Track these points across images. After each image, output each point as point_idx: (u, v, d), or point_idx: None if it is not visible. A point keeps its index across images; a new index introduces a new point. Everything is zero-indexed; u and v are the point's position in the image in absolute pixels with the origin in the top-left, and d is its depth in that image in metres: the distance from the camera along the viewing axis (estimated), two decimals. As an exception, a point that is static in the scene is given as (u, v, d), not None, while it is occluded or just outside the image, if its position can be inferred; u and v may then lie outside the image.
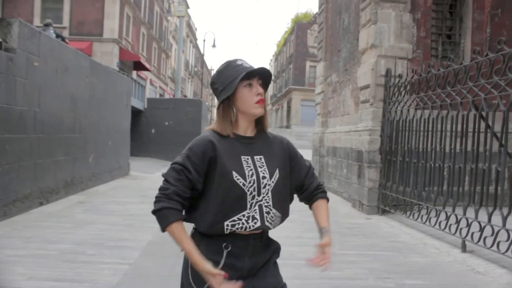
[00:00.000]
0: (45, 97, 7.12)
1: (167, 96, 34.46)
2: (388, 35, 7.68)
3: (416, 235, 6.05)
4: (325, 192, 1.91)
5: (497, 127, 5.00)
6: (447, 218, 5.58)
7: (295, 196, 1.91)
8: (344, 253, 5.04)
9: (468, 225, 5.12)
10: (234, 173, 1.66)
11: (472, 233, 4.99)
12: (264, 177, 1.71)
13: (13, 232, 5.32)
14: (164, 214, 1.60)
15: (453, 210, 5.51)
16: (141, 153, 18.93)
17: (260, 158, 1.74)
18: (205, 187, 1.69)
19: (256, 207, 1.69)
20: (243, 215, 1.67)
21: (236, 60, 1.76)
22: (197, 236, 1.72)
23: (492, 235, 4.66)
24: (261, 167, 1.73)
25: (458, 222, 5.33)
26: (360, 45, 8.48)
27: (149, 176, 12.83)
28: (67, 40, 11.23)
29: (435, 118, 6.16)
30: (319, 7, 13.56)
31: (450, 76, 5.76)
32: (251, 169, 1.70)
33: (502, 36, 4.95)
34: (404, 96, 7.05)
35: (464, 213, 5.26)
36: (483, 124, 5.15)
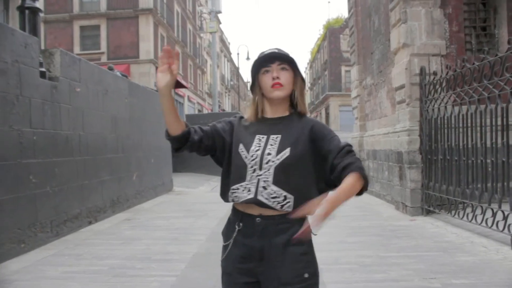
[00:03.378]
0: (88, 120, 7.43)
1: (205, 111, 34.99)
2: (419, 33, 7.59)
3: (463, 234, 5.92)
4: (358, 168, 1.66)
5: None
6: (494, 215, 5.43)
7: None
8: (389, 256, 5.00)
9: (516, 221, 4.98)
10: (241, 145, 1.79)
11: (521, 229, 4.85)
12: (269, 154, 1.75)
13: (66, 250, 5.57)
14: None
15: (499, 207, 5.36)
16: (183, 169, 19.26)
17: (276, 137, 1.79)
18: (224, 161, 1.86)
19: (255, 180, 1.75)
20: (241, 185, 1.76)
21: (265, 50, 1.83)
22: (232, 209, 1.87)
23: (541, 229, 4.52)
24: (272, 145, 1.77)
25: (505, 218, 5.18)
26: (392, 45, 8.42)
27: (192, 191, 13.06)
28: (129, 78, 11.77)
29: (474, 113, 6.04)
30: (349, 11, 13.53)
31: (486, 69, 5.64)
32: (259, 145, 1.78)
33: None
34: (440, 93, 6.94)
35: (511, 209, 5.11)
36: (523, 116, 5.02)
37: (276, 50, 1.81)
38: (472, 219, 5.93)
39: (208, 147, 1.85)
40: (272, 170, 1.73)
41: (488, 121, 5.67)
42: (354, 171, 1.65)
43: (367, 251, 5.24)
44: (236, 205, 1.82)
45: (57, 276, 4.46)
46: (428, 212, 7.40)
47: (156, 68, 15.97)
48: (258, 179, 1.74)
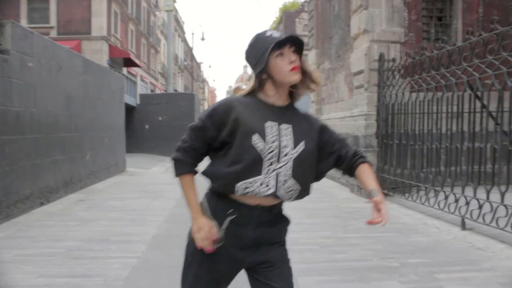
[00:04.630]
0: (40, 97, 7.10)
1: (158, 92, 34.35)
2: (379, 19, 7.73)
3: (416, 216, 6.15)
4: (364, 157, 1.85)
5: (492, 106, 5.09)
6: (446, 197, 5.67)
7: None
8: (347, 236, 5.13)
9: (467, 203, 5.22)
10: (254, 136, 1.66)
11: (471, 211, 5.10)
12: (286, 146, 1.69)
13: (18, 233, 5.34)
14: (178, 165, 1.77)
15: (452, 190, 5.61)
16: (136, 150, 18.92)
17: (287, 128, 1.72)
18: (226, 146, 1.72)
19: (273, 174, 1.67)
20: (256, 180, 1.66)
21: (266, 31, 1.75)
22: (210, 194, 1.79)
23: (491, 211, 4.76)
24: (286, 136, 1.71)
25: (457, 200, 5.43)
26: (352, 31, 8.52)
27: (145, 172, 12.85)
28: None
29: (430, 100, 6.24)
30: (308, -5, 13.56)
31: (444, 58, 5.82)
32: (274, 136, 1.69)
33: (493, 16, 5.02)
34: (398, 79, 7.12)
35: (463, 192, 5.36)
36: (478, 104, 5.23)
37: (295, 35, 1.74)
38: (425, 201, 6.17)
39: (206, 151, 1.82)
40: (291, 163, 1.69)
41: (444, 108, 5.87)
42: (364, 162, 1.83)
43: (326, 232, 5.36)
44: (228, 194, 1.74)
45: (11, 259, 4.27)
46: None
47: (109, 45, 15.47)
48: (277, 173, 1.68)
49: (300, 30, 42.38)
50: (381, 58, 7.67)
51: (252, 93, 1.78)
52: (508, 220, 4.49)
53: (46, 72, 7.36)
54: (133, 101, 21.49)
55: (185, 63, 53.91)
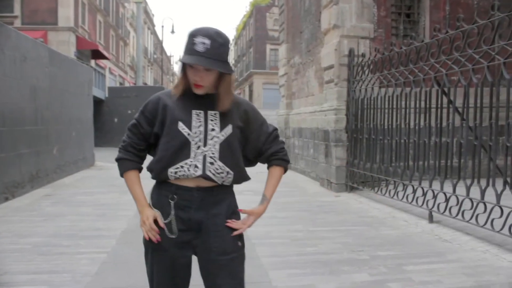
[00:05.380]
0: (4, 89, 6.88)
1: (127, 85, 33.81)
2: (350, 15, 7.79)
3: (385, 210, 6.26)
4: (282, 160, 1.93)
5: (459, 102, 5.21)
6: (414, 191, 5.79)
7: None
8: (317, 230, 5.18)
9: (434, 197, 5.34)
10: (180, 123, 1.77)
11: (438, 204, 5.22)
12: (213, 130, 1.78)
13: (-18, 229, 5.18)
14: (120, 164, 1.87)
15: (419, 184, 5.73)
16: (105, 144, 18.60)
17: (215, 113, 1.80)
18: (159, 138, 1.83)
19: (200, 157, 1.76)
20: (186, 163, 1.76)
21: (197, 36, 1.71)
22: (154, 185, 1.88)
23: (457, 204, 4.89)
24: (212, 120, 1.79)
25: (424, 194, 5.55)
26: (322, 26, 8.57)
27: (114, 166, 12.46)
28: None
29: (399, 95, 6.34)
30: (279, -11, 13.56)
31: (412, 54, 5.93)
32: (200, 121, 1.78)
33: (459, 14, 5.13)
34: (367, 75, 7.21)
35: (430, 186, 5.48)
36: (445, 100, 5.35)
37: (208, 44, 1.69)
38: (393, 195, 6.29)
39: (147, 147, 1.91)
40: (217, 146, 1.78)
41: (412, 103, 5.98)
42: (278, 166, 1.93)
43: (297, 225, 5.40)
44: (166, 180, 1.82)
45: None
46: (352, 189, 7.75)
47: (77, 36, 15.16)
48: (204, 155, 1.76)
49: (270, 24, 42.49)
50: (351, 53, 7.75)
51: (182, 85, 1.83)
52: (473, 213, 4.61)
53: (10, 63, 7.13)
54: (102, 94, 21.10)
55: (155, 56, 53.22)
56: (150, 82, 47.42)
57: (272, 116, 13.63)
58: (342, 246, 4.50)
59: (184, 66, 1.79)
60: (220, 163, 1.77)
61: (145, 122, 1.85)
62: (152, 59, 51.18)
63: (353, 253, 4.26)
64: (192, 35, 1.73)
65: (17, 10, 20.07)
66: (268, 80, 41.96)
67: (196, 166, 1.75)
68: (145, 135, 1.86)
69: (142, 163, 1.90)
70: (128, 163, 1.86)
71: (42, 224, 5.41)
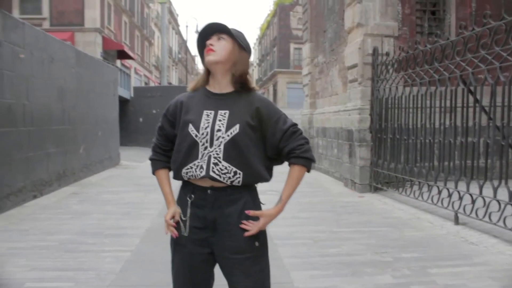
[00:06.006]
0: (32, 89, 7.04)
1: (152, 84, 34.19)
2: (373, 13, 7.71)
3: (410, 211, 6.18)
4: (300, 157, 1.84)
5: (485, 101, 5.10)
6: (439, 192, 5.69)
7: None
8: (341, 231, 5.14)
9: (460, 198, 5.24)
10: (190, 125, 1.82)
11: (464, 206, 5.11)
12: (219, 130, 1.79)
13: (11, 226, 5.32)
14: (151, 163, 1.98)
15: (445, 184, 5.63)
16: (130, 143, 18.86)
17: (225, 113, 1.82)
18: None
19: (206, 158, 1.79)
20: (194, 164, 1.80)
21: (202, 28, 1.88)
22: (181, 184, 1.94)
23: (483, 206, 4.78)
24: (220, 121, 1.81)
25: (450, 195, 5.45)
26: (346, 24, 8.50)
27: (139, 165, 12.80)
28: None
29: (424, 94, 6.25)
30: (303, -12, 13.50)
31: (437, 52, 5.82)
32: (208, 122, 1.81)
33: (486, 10, 5.01)
34: (392, 73, 7.12)
35: (456, 187, 5.37)
36: (471, 99, 5.24)
37: (215, 23, 1.86)
38: (418, 196, 6.19)
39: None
40: (222, 147, 1.78)
41: (437, 102, 5.88)
42: (296, 164, 1.84)
43: (320, 226, 5.37)
44: (185, 180, 1.88)
45: (3, 252, 4.26)
46: (376, 189, 7.66)
47: (103, 37, 15.48)
48: (209, 156, 1.78)
49: (294, 23, 42.38)
50: (374, 52, 7.67)
51: (202, 85, 1.92)
52: (501, 215, 4.51)
53: (38, 64, 7.30)
54: (127, 94, 21.40)
55: (179, 55, 53.67)
56: (174, 82, 47.86)
57: (296, 116, 13.57)
58: (365, 247, 4.46)
59: (202, 58, 1.89)
60: (225, 164, 1.77)
61: (167, 124, 1.94)
62: (177, 59, 51.63)
63: (377, 254, 4.21)
64: (199, 32, 1.90)
65: (45, 12, 20.51)
66: (292, 79, 41.87)
67: (201, 167, 1.78)
68: (168, 136, 1.94)
69: (169, 162, 1.96)
70: (157, 163, 1.96)
71: (68, 222, 5.53)
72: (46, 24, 19.98)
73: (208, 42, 1.84)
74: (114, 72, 12.96)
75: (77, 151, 9.18)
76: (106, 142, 11.47)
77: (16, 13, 19.22)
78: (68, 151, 8.64)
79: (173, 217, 1.85)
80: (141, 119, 19.78)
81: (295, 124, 1.88)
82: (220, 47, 1.82)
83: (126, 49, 23.53)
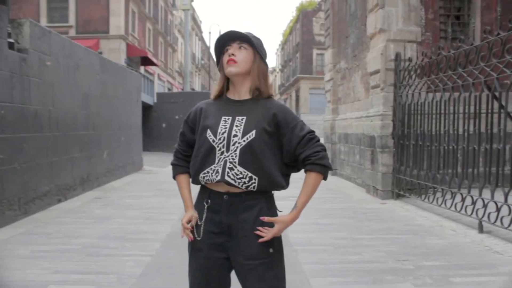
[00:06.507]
0: (58, 96, 7.20)
1: (175, 90, 34.54)
2: (396, 18, 7.64)
3: (432, 218, 6.08)
4: (315, 164, 1.81)
5: (511, 107, 5.00)
6: (463, 199, 5.59)
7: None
8: (362, 238, 5.09)
9: (484, 206, 5.13)
10: (208, 130, 1.86)
11: (489, 214, 5.01)
12: (235, 135, 1.81)
13: (36, 229, 5.43)
14: (173, 168, 2.02)
15: (469, 192, 5.52)
16: (153, 148, 19.07)
17: (242, 119, 1.85)
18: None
19: (222, 162, 1.80)
20: (211, 168, 1.82)
21: (223, 33, 1.89)
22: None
23: (509, 214, 4.67)
24: (237, 126, 1.83)
25: (474, 203, 5.34)
26: (368, 30, 8.45)
27: (162, 170, 12.93)
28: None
29: (447, 100, 6.15)
30: (325, -6, 13.48)
31: (461, 57, 5.74)
32: (225, 127, 1.84)
33: (512, 15, 4.92)
34: (414, 79, 7.04)
35: (480, 194, 5.26)
36: (496, 104, 5.14)
37: (236, 30, 1.87)
38: (441, 203, 6.09)
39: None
40: (238, 152, 1.79)
41: (461, 108, 5.79)
42: (312, 171, 1.82)
43: (340, 233, 5.33)
44: (203, 184, 1.91)
45: (27, 255, 4.35)
46: (398, 196, 7.57)
47: (127, 44, 15.67)
48: (225, 161, 1.80)
49: (317, 29, 42.29)
50: (397, 57, 7.60)
51: (214, 90, 1.97)
52: (526, 223, 4.40)
53: (63, 71, 7.46)
54: (150, 100, 21.64)
55: (202, 61, 54.12)
56: (197, 88, 48.26)
57: (318, 121, 13.52)
58: (386, 254, 4.40)
59: (219, 64, 1.93)
60: (241, 169, 1.78)
61: (188, 130, 1.98)
62: (200, 65, 52.08)
63: (398, 262, 4.16)
64: (218, 37, 1.91)
65: (71, 20, 20.96)
66: (314, 85, 41.74)
67: (217, 171, 1.80)
68: (189, 142, 1.97)
69: (189, 167, 1.99)
70: (178, 168, 2.01)
71: (91, 226, 5.61)
72: (72, 32, 20.43)
73: (230, 51, 1.85)
74: (137, 78, 13.15)
75: (100, 156, 9.33)
76: (129, 147, 11.63)
77: (43, 22, 19.71)
78: (92, 156, 8.79)
79: (189, 221, 1.88)
80: (164, 125, 19.98)
81: (312, 131, 1.87)
82: (241, 57, 1.85)
83: (150, 56, 23.85)
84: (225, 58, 1.87)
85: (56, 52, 7.14)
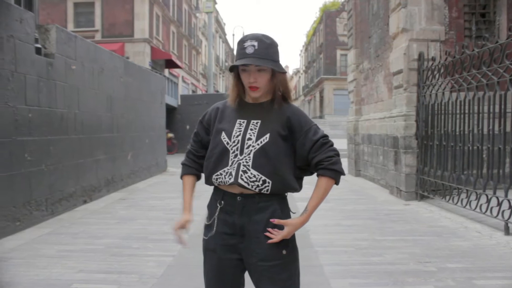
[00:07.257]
0: (83, 99, 7.36)
1: (199, 92, 34.81)
2: (419, 18, 7.55)
3: (457, 219, 5.98)
4: (327, 169, 1.81)
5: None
6: (488, 201, 5.48)
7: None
8: (384, 239, 5.04)
9: (511, 207, 5.02)
10: (223, 133, 1.87)
11: (515, 215, 4.90)
12: (249, 139, 1.82)
13: (61, 229, 5.56)
14: (182, 168, 2.05)
15: (494, 193, 5.41)
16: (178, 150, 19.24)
17: (257, 123, 1.85)
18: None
19: (235, 165, 1.81)
20: (224, 171, 1.83)
21: (246, 40, 1.81)
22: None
23: (536, 216, 4.57)
24: (252, 129, 1.84)
25: (499, 204, 5.23)
26: (390, 29, 8.37)
27: (186, 172, 13.04)
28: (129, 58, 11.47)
29: (471, 100, 6.05)
30: (347, -6, 13.40)
31: (485, 56, 5.63)
32: (240, 130, 1.85)
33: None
34: (438, 79, 6.93)
35: (506, 195, 5.15)
36: (522, 103, 5.03)
37: (256, 45, 1.78)
38: (466, 204, 5.98)
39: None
40: (251, 155, 1.81)
41: (485, 108, 5.68)
42: (323, 176, 1.82)
43: (363, 234, 5.29)
44: (216, 186, 1.92)
45: (53, 254, 4.46)
46: (422, 197, 7.46)
47: (151, 47, 15.88)
48: (239, 163, 1.81)
49: (340, 29, 42.05)
50: (420, 57, 7.50)
51: (235, 92, 1.91)
52: (554, 225, 4.29)
53: (88, 75, 7.62)
54: (174, 102, 21.86)
55: (226, 63, 54.39)
56: (222, 90, 48.51)
57: (343, 122, 13.41)
58: (408, 256, 4.35)
59: (238, 74, 1.87)
60: (254, 172, 1.79)
61: (202, 131, 1.99)
62: (224, 67, 52.35)
63: (420, 264, 4.10)
64: (242, 41, 1.83)
65: (97, 25, 21.39)
66: (338, 85, 41.51)
67: (230, 174, 1.81)
68: (203, 142, 1.98)
69: (199, 169, 2.01)
70: (186, 168, 2.02)
71: (115, 227, 5.71)
72: (98, 36, 20.84)
73: (251, 79, 1.80)
74: (161, 81, 13.31)
75: (125, 158, 9.48)
76: (153, 149, 11.78)
77: (70, 27, 20.18)
78: (116, 158, 8.94)
79: (182, 227, 1.93)
80: (188, 127, 20.17)
81: (326, 136, 1.86)
82: (262, 83, 1.82)
83: (174, 58, 24.11)
84: (245, 79, 1.83)
85: (81, 56, 7.30)
